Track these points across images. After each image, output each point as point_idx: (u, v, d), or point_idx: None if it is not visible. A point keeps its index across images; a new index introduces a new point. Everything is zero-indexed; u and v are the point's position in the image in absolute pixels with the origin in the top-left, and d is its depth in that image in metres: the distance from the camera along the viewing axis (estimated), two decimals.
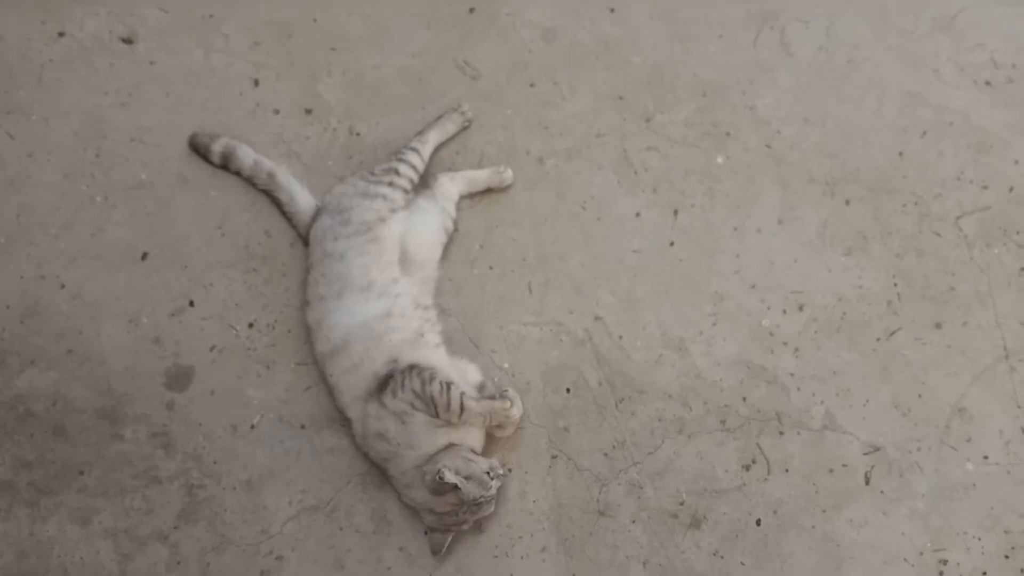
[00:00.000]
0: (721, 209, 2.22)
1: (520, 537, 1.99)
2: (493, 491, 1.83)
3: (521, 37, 2.37)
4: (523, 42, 2.36)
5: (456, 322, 2.12)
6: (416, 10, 2.38)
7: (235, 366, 2.08)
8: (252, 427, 2.05)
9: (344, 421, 2.01)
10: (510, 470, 1.98)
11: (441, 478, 1.75)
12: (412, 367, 1.86)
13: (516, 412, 1.93)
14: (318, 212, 2.07)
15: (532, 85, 2.33)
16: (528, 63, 2.34)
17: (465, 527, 1.90)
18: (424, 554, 1.97)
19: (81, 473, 2.01)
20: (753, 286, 2.16)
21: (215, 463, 2.02)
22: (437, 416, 1.84)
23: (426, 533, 1.95)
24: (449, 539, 1.90)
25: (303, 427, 2.04)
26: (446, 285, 2.14)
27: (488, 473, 1.82)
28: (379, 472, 1.99)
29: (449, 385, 1.84)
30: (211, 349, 2.09)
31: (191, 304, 2.13)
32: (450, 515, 1.85)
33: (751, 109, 2.31)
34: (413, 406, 1.83)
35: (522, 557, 1.98)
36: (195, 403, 2.05)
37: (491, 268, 2.17)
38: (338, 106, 2.30)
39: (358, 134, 2.28)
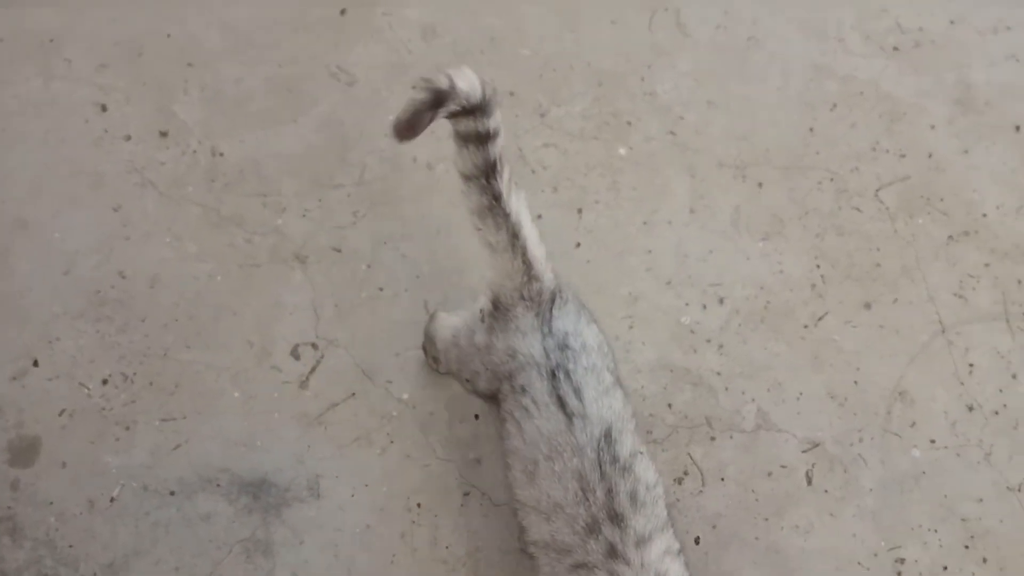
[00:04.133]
0: (627, 204, 2.06)
1: None
2: None
3: (399, 37, 2.18)
4: (401, 42, 2.18)
5: (345, 353, 1.89)
6: (281, 16, 2.18)
7: (88, 431, 1.81)
8: (112, 500, 1.77)
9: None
10: None
11: None
12: None
13: None
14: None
15: (413, 87, 2.13)
16: (408, 64, 2.16)
17: None
18: None
19: None
20: (668, 283, 1.99)
21: (71, 547, 1.74)
22: None
23: None
24: None
25: (172, 493, 1.78)
26: (330, 311, 1.91)
27: None
28: (268, 535, 1.75)
29: None
30: (60, 414, 1.82)
31: (35, 364, 1.85)
32: None
33: (651, 96, 2.16)
34: None
35: None
36: (43, 479, 1.77)
37: (381, 290, 1.96)
38: (197, 126, 2.06)
39: (221, 154, 2.04)
